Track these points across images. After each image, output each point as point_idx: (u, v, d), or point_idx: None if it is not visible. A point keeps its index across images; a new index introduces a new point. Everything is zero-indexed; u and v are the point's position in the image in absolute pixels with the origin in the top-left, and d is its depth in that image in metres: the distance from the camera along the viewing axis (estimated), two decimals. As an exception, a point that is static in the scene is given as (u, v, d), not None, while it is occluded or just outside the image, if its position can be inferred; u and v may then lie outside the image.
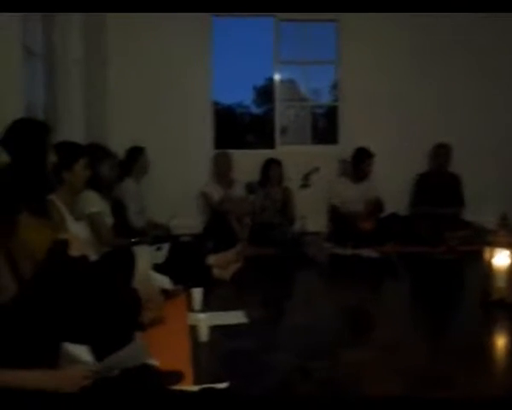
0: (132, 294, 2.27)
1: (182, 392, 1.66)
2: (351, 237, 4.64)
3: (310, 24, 5.66)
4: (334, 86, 6.09)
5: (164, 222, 4.51)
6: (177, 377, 1.91)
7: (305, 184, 5.43)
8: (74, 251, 1.74)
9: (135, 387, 1.62)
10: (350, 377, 2.03)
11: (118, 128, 5.08)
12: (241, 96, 9.32)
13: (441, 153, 5.29)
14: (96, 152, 3.30)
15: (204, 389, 1.68)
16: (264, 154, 5.34)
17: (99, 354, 1.69)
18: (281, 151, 5.55)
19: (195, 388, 1.79)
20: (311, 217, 4.92)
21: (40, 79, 3.92)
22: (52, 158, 2.27)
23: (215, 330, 2.48)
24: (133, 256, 2.63)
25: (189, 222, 4.91)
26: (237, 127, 8.59)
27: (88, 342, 1.71)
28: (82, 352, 1.69)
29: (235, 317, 2.76)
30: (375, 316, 3.02)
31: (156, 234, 4.06)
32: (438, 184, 5.22)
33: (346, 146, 5.43)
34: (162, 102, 5.32)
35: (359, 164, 5.12)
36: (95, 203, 3.18)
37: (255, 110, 9.56)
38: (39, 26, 3.89)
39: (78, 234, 2.42)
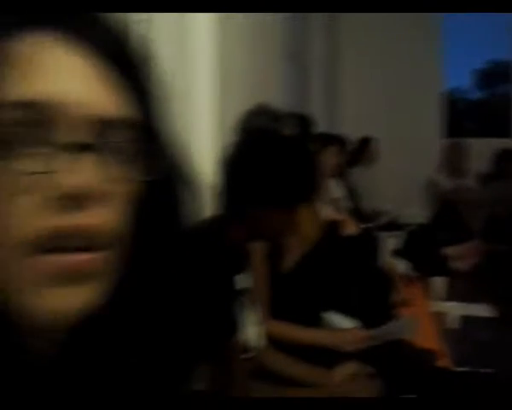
0: (385, 273, 2.41)
1: (453, 371, 1.73)
2: None
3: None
4: None
5: (390, 210, 4.58)
6: (434, 356, 1.99)
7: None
8: (348, 230, 1.95)
9: (399, 358, 1.75)
10: None
11: (351, 119, 5.33)
12: (458, 81, 8.76)
13: None
14: (338, 142, 3.55)
15: (472, 372, 1.73)
16: (498, 142, 4.96)
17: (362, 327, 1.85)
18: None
19: (458, 369, 1.84)
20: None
21: (290, 77, 4.32)
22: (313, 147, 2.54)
23: (461, 319, 2.48)
24: (377, 240, 2.78)
25: (414, 211, 4.88)
26: (455, 114, 8.09)
27: (351, 314, 1.89)
28: (345, 322, 1.88)
29: (480, 309, 2.71)
30: None
31: (384, 221, 4.16)
32: None
33: None
34: (392, 92, 5.38)
35: None
36: (335, 190, 3.43)
37: (473, 96, 8.84)
38: (294, 26, 4.26)
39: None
